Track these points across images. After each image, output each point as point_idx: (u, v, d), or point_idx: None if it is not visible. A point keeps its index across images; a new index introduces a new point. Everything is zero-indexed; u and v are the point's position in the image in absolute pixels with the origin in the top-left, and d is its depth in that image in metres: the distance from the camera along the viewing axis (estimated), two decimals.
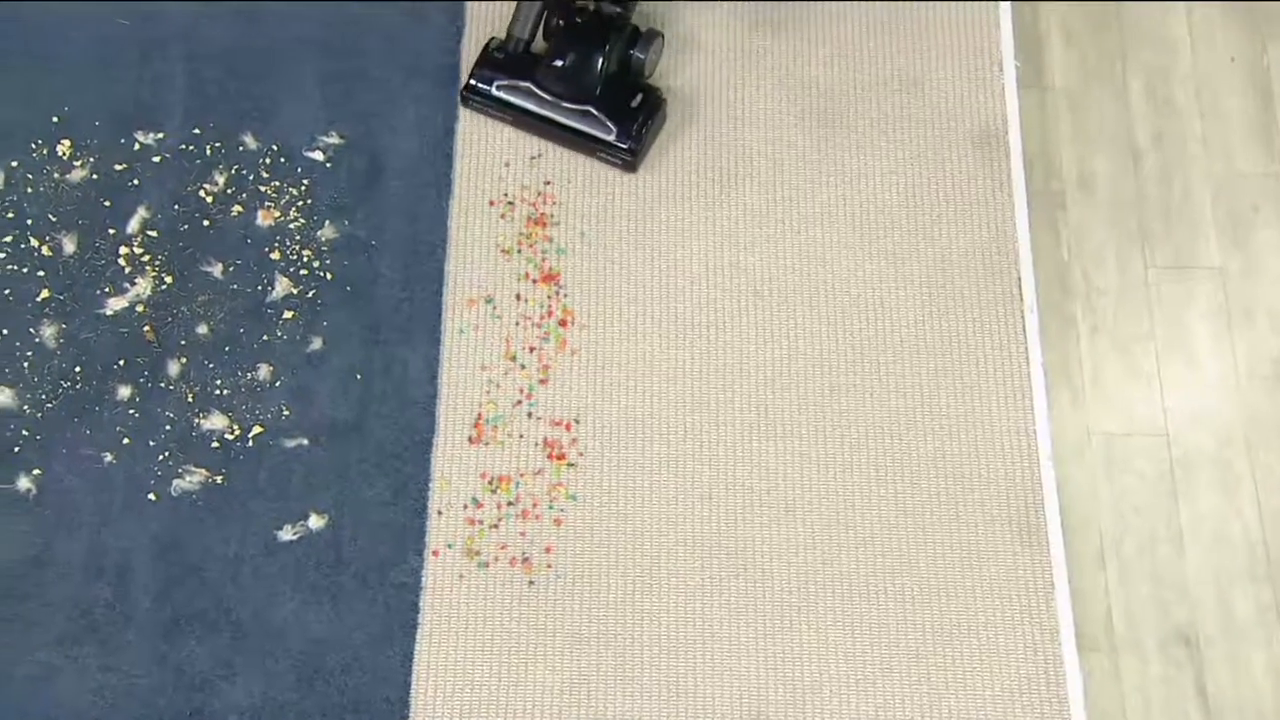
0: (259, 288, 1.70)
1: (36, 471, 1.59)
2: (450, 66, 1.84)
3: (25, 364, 1.64)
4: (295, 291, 1.70)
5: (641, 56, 1.71)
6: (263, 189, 1.76)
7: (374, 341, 1.68)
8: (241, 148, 1.78)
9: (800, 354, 1.67)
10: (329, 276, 1.71)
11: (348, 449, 1.61)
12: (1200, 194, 1.80)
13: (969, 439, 1.62)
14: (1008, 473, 1.60)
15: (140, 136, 1.78)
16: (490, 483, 1.59)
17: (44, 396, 1.62)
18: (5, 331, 1.66)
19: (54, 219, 1.73)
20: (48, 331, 1.66)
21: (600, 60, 1.69)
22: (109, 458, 1.59)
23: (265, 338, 1.67)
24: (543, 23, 1.72)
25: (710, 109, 1.80)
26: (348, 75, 1.83)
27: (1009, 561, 1.55)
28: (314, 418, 1.63)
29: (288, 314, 1.69)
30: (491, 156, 1.77)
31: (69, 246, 1.71)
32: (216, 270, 1.70)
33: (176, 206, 1.74)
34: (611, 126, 1.70)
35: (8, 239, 1.71)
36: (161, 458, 1.60)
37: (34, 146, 1.77)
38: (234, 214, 1.74)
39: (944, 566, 1.55)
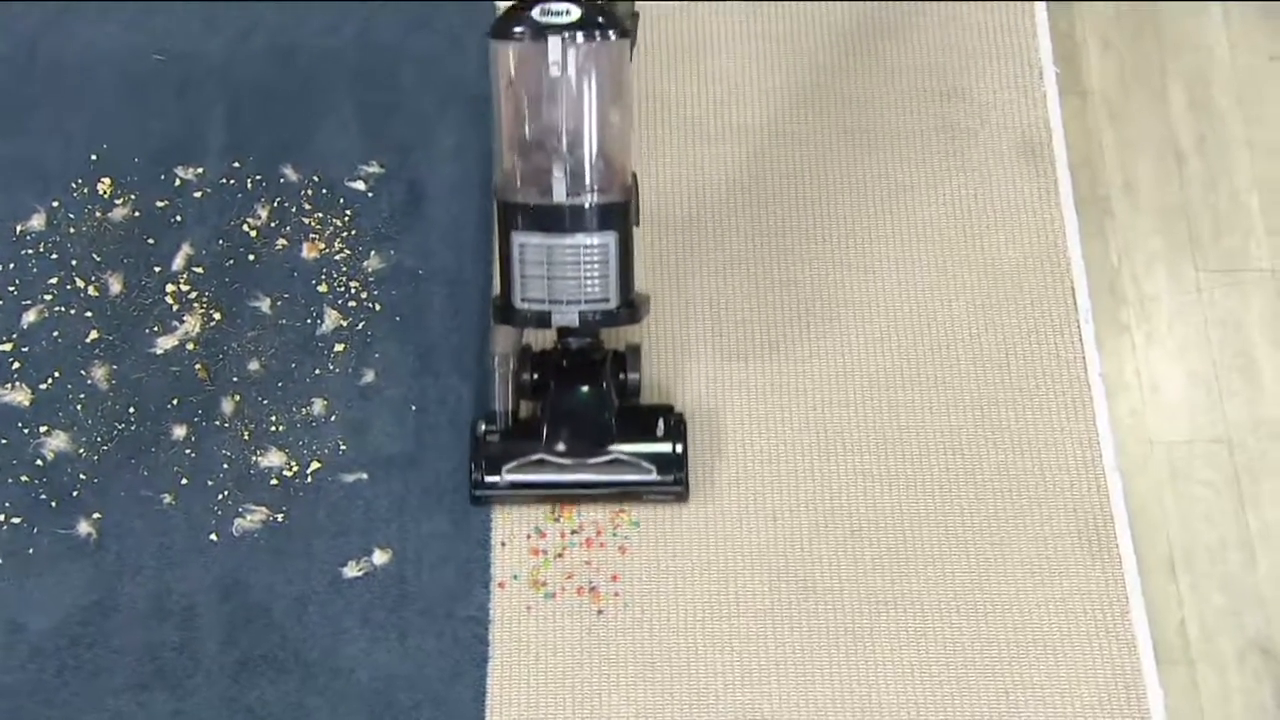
0: (308, 321, 1.69)
1: (96, 515, 1.57)
2: (486, 92, 1.82)
3: (79, 407, 1.63)
4: (344, 324, 1.69)
5: (636, 376, 1.53)
6: (306, 221, 1.75)
7: (426, 372, 1.67)
8: (283, 180, 1.77)
9: (855, 372, 1.66)
10: (377, 307, 1.70)
11: (406, 482, 1.60)
12: (1246, 196, 1.80)
13: (1032, 452, 1.61)
14: (1073, 485, 1.59)
15: (180, 172, 1.77)
16: (552, 511, 1.58)
17: (99, 439, 1.61)
18: (57, 374, 1.65)
19: (98, 258, 1.72)
20: (99, 373, 1.65)
21: (602, 401, 1.51)
22: (168, 499, 1.58)
23: (317, 371, 1.66)
24: (518, 382, 1.53)
25: (752, 123, 1.80)
26: (385, 104, 1.82)
27: (1080, 575, 1.55)
28: (371, 451, 1.62)
29: (338, 347, 1.68)
30: None
31: (115, 286, 1.70)
32: (264, 305, 1.69)
33: (220, 241, 1.73)
34: (649, 465, 1.51)
35: (53, 280, 1.70)
36: (221, 497, 1.59)
37: (74, 186, 1.76)
38: (279, 247, 1.73)
39: (1015, 582, 1.55)
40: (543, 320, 1.42)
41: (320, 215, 1.75)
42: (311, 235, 1.74)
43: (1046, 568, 1.55)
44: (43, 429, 1.61)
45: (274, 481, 1.60)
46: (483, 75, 1.80)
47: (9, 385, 1.64)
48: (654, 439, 1.52)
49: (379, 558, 1.56)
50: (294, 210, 1.75)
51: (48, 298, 1.69)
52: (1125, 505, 1.58)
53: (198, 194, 1.76)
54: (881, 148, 1.80)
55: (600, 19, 1.36)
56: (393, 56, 1.85)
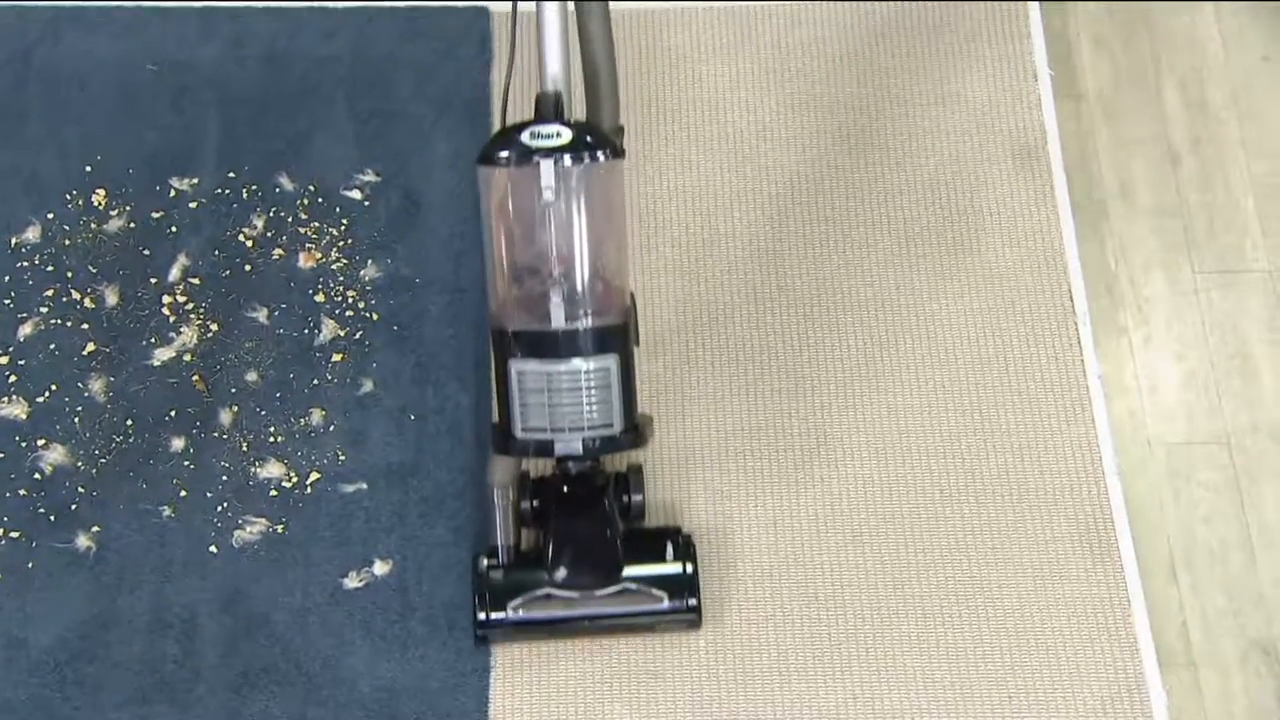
0: (305, 331, 1.68)
1: (95, 529, 1.57)
2: (481, 100, 1.83)
3: (76, 419, 1.62)
4: (342, 333, 1.69)
5: (640, 498, 1.48)
6: (302, 230, 1.74)
7: (424, 381, 1.66)
8: (278, 189, 1.77)
9: (855, 376, 1.66)
10: (375, 317, 1.70)
11: (406, 491, 1.60)
12: (1242, 197, 1.80)
13: (1032, 455, 1.61)
14: (1073, 487, 1.59)
15: (175, 182, 1.77)
16: None
17: (97, 452, 1.61)
18: (54, 387, 1.64)
19: (94, 270, 1.71)
20: (96, 385, 1.64)
21: (607, 528, 1.44)
22: (167, 511, 1.58)
23: (315, 382, 1.66)
24: (519, 511, 1.48)
25: (746, 130, 1.80)
26: (380, 113, 1.82)
27: (1081, 578, 1.55)
28: (370, 461, 1.61)
29: (336, 356, 1.67)
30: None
31: (111, 298, 1.69)
32: (261, 315, 1.69)
33: (216, 252, 1.73)
34: (659, 594, 1.45)
35: (49, 292, 1.70)
36: (220, 509, 1.58)
37: (69, 197, 1.75)
38: (275, 257, 1.73)
39: (1016, 585, 1.55)
40: (545, 449, 1.35)
41: (316, 225, 1.75)
42: (308, 245, 1.73)
43: (1047, 571, 1.55)
44: (40, 442, 1.61)
45: (273, 493, 1.59)
46: (478, 80, 1.80)
47: (6, 399, 1.63)
48: (663, 564, 1.47)
49: (380, 568, 1.56)
50: (290, 220, 1.75)
51: (44, 310, 1.68)
52: (1125, 507, 1.58)
53: (193, 204, 1.75)
54: (876, 152, 1.80)
55: (590, 139, 1.32)
56: (387, 65, 1.84)
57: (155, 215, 1.74)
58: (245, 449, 1.62)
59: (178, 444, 1.61)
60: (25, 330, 1.67)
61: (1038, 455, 1.61)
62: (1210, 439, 1.66)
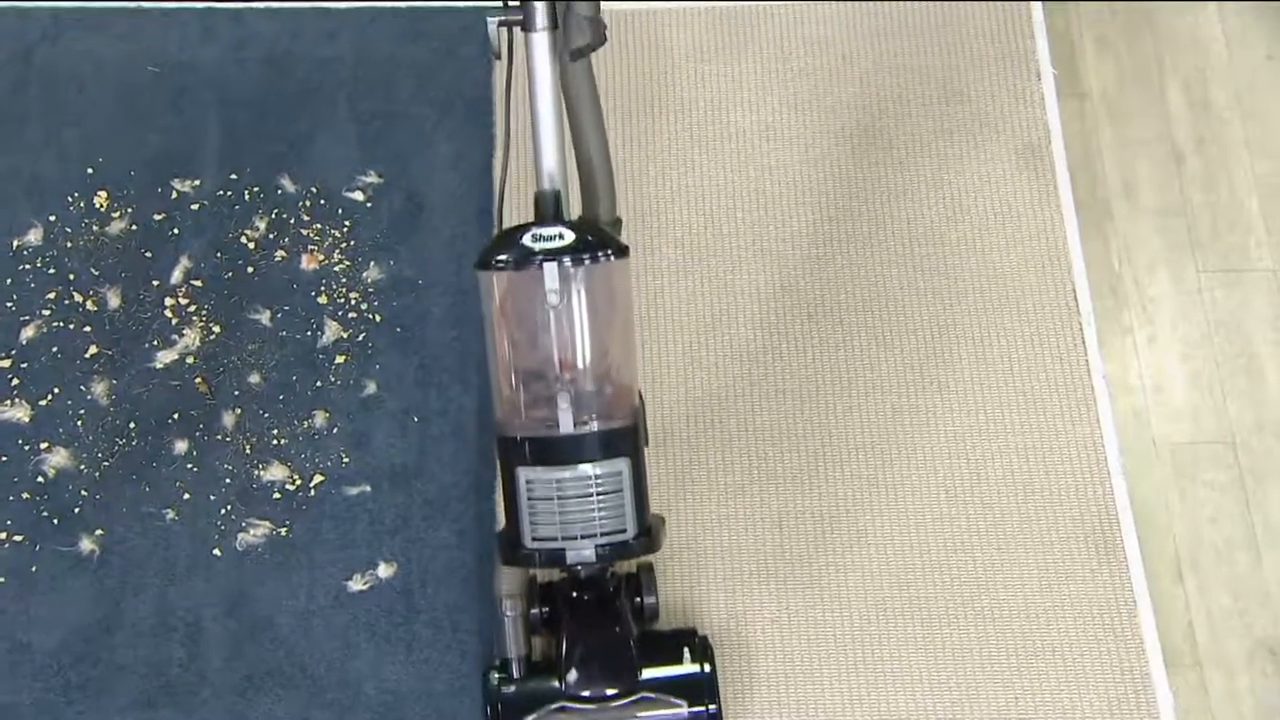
0: (308, 333, 1.68)
1: (99, 532, 1.56)
2: (482, 100, 1.82)
3: (79, 422, 1.62)
4: (345, 335, 1.68)
5: (653, 600, 1.43)
6: (304, 232, 1.74)
7: (427, 383, 1.66)
8: (280, 191, 1.76)
9: (859, 376, 1.66)
10: (377, 319, 1.69)
11: (410, 494, 1.60)
12: (1246, 196, 1.80)
13: (1037, 455, 1.61)
14: (1079, 488, 1.59)
15: (177, 185, 1.76)
16: None
17: (100, 455, 1.60)
18: (57, 390, 1.64)
19: (96, 272, 1.70)
20: (99, 388, 1.64)
21: (622, 633, 1.38)
22: (170, 514, 1.58)
23: (319, 384, 1.65)
24: (528, 620, 1.42)
25: (749, 131, 1.79)
26: (381, 114, 1.81)
27: (1087, 579, 1.55)
28: (374, 463, 1.61)
29: (339, 358, 1.67)
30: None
31: (113, 300, 1.69)
32: (264, 318, 1.68)
33: (219, 254, 1.72)
34: (679, 701, 1.38)
35: (51, 295, 1.69)
36: (223, 512, 1.58)
37: (70, 200, 1.75)
38: (277, 259, 1.72)
39: (1022, 587, 1.54)
40: (556, 559, 1.30)
41: (319, 226, 1.74)
42: (310, 247, 1.73)
43: (1053, 571, 1.55)
44: (43, 445, 1.60)
45: (277, 495, 1.59)
46: (479, 80, 1.80)
47: (9, 402, 1.63)
48: (681, 669, 1.40)
49: (384, 571, 1.55)
50: (292, 222, 1.74)
51: (46, 313, 1.68)
52: (1131, 507, 1.58)
53: (195, 206, 1.75)
54: (879, 151, 1.80)
55: (592, 239, 1.28)
56: (389, 66, 1.84)
57: (157, 217, 1.74)
58: (248, 451, 1.61)
59: (181, 447, 1.61)
60: (27, 333, 1.66)
61: (1042, 456, 1.61)
62: (1215, 439, 1.66)
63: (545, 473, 1.28)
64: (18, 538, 1.56)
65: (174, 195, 1.75)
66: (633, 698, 1.37)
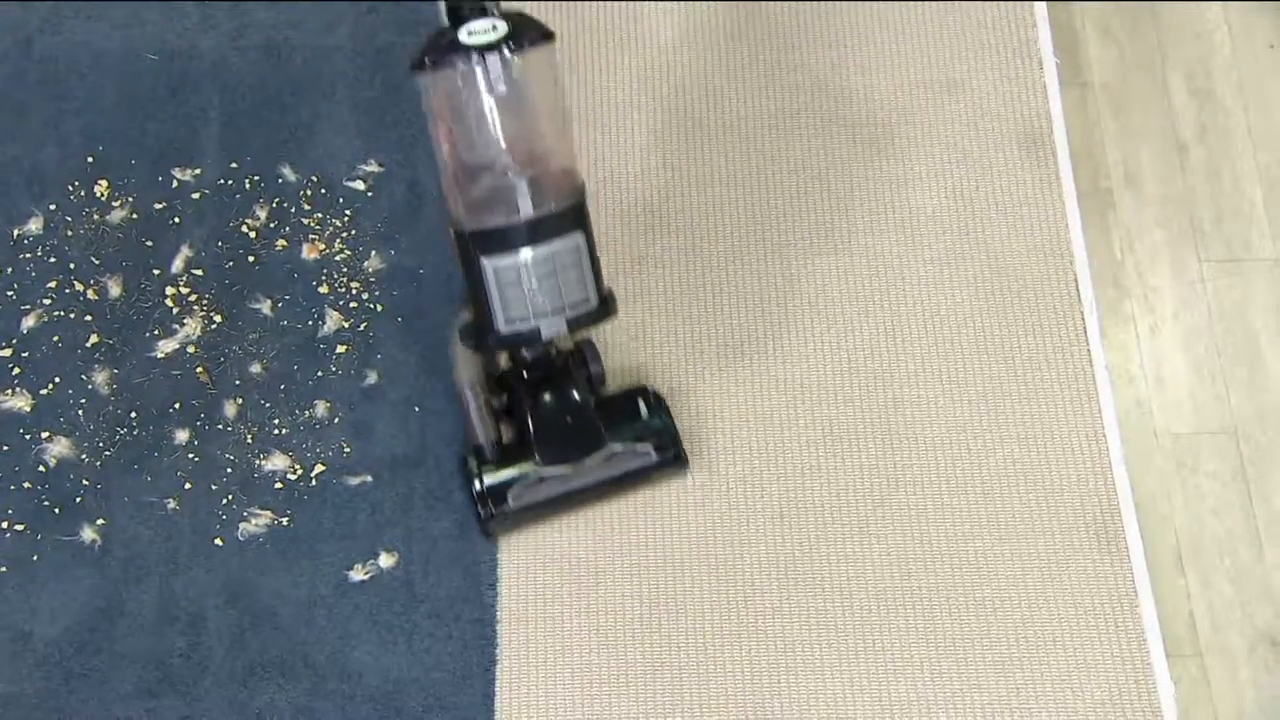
0: (309, 323, 1.68)
1: (100, 521, 1.56)
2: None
3: (80, 412, 1.62)
4: (346, 325, 1.68)
5: (599, 368, 1.53)
6: (305, 221, 1.74)
7: (429, 372, 1.66)
8: (281, 180, 1.76)
9: (860, 367, 1.66)
10: (379, 308, 1.69)
11: (412, 483, 1.59)
12: (1249, 185, 1.80)
13: (1038, 446, 1.61)
14: (1080, 478, 1.59)
15: (178, 173, 1.76)
16: None
17: (101, 444, 1.60)
18: (58, 379, 1.63)
19: (97, 261, 1.70)
20: (100, 377, 1.64)
21: (582, 401, 1.49)
22: (172, 504, 1.58)
23: (320, 374, 1.65)
24: (492, 408, 1.52)
25: (748, 120, 1.79)
26: (382, 103, 1.81)
27: (1089, 569, 1.55)
28: (375, 453, 1.61)
29: (340, 348, 1.67)
30: None
31: (114, 289, 1.68)
32: (265, 307, 1.68)
33: (220, 243, 1.72)
34: (646, 449, 1.52)
35: (52, 284, 1.69)
36: (225, 501, 1.58)
37: (70, 189, 1.74)
38: (278, 248, 1.72)
39: (1024, 577, 1.54)
40: (532, 337, 1.39)
41: (320, 215, 1.74)
42: (311, 236, 1.73)
43: (1056, 562, 1.55)
44: (44, 435, 1.60)
45: (278, 485, 1.59)
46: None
47: (9, 391, 1.62)
48: (640, 421, 1.52)
49: (385, 560, 1.55)
50: (293, 211, 1.74)
51: (47, 302, 1.67)
52: (1132, 498, 1.58)
53: (195, 195, 1.74)
54: (880, 141, 1.79)
55: (523, 25, 1.33)
56: (389, 54, 1.83)
57: (158, 206, 1.74)
58: (250, 441, 1.61)
59: (182, 436, 1.61)
60: (28, 322, 1.66)
61: (1044, 446, 1.61)
62: (1218, 429, 1.66)
63: (509, 258, 1.35)
64: (19, 527, 1.56)
65: (174, 184, 1.75)
66: (603, 454, 1.49)
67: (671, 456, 1.53)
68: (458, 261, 1.42)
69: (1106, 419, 1.62)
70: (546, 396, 1.49)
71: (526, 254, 1.36)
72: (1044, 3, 1.87)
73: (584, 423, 1.48)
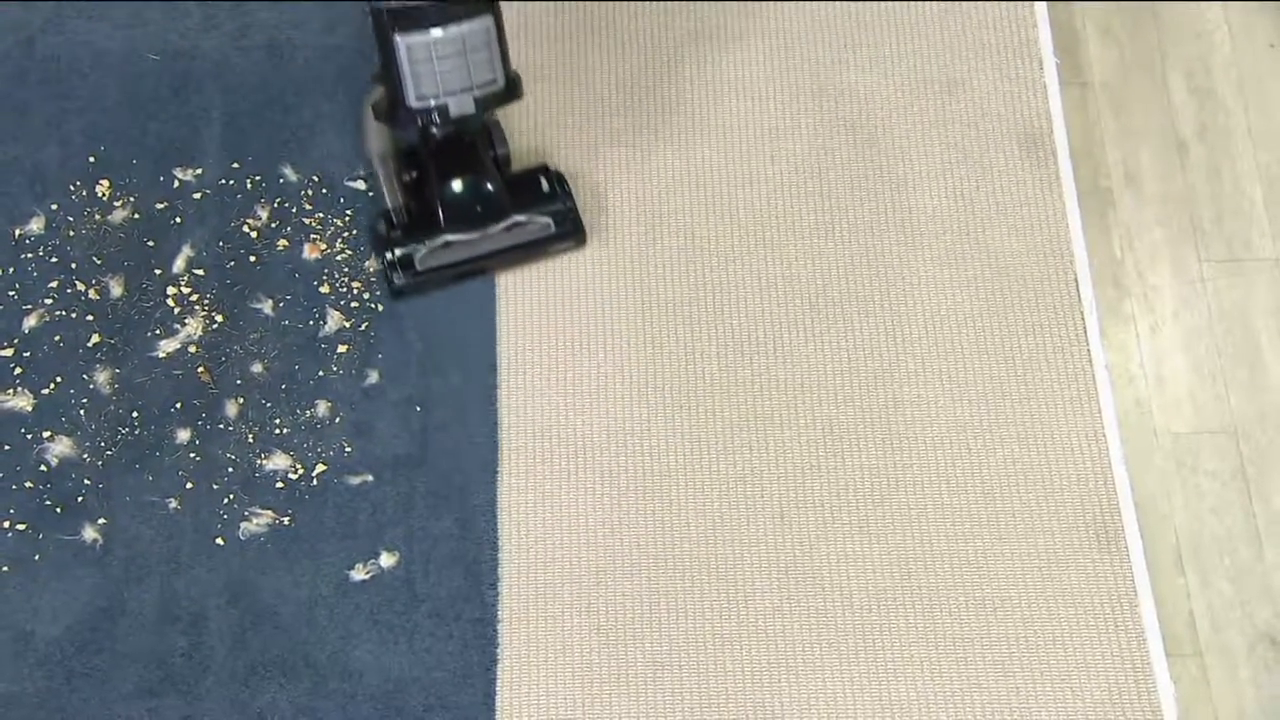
0: (310, 322, 1.68)
1: (102, 521, 1.57)
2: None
3: (82, 411, 1.62)
4: (347, 325, 1.68)
5: (505, 150, 1.64)
6: (307, 221, 1.74)
7: (430, 372, 1.66)
8: (282, 180, 1.76)
9: (860, 367, 1.66)
10: (379, 308, 1.69)
11: (413, 483, 1.60)
12: (1249, 185, 1.80)
13: (1038, 446, 1.61)
14: (1080, 478, 1.59)
15: (179, 173, 1.76)
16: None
17: (103, 444, 1.61)
18: (59, 379, 1.64)
19: (98, 261, 1.70)
20: (101, 377, 1.64)
21: (488, 174, 1.60)
22: (173, 503, 1.58)
23: (321, 373, 1.65)
24: (403, 181, 1.64)
25: (749, 119, 1.79)
26: None
27: (1088, 569, 1.55)
28: (376, 453, 1.61)
29: (341, 348, 1.67)
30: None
31: (116, 289, 1.69)
32: (267, 307, 1.68)
33: (221, 243, 1.72)
34: (545, 220, 1.65)
35: (53, 284, 1.69)
36: (226, 501, 1.58)
37: (72, 188, 1.75)
38: (280, 248, 1.72)
39: (1023, 577, 1.55)
40: (441, 113, 1.47)
41: (320, 215, 1.74)
42: (313, 236, 1.73)
43: (1055, 562, 1.55)
44: (46, 434, 1.61)
45: (279, 485, 1.59)
46: None
47: (11, 391, 1.63)
48: (545, 197, 1.64)
49: (386, 560, 1.56)
50: (294, 211, 1.74)
51: (48, 302, 1.68)
52: (1132, 497, 1.58)
53: (197, 195, 1.75)
54: (881, 141, 1.79)
55: None
56: None
57: (159, 206, 1.74)
58: (251, 440, 1.62)
59: (183, 436, 1.61)
60: (30, 322, 1.66)
61: (1044, 445, 1.61)
62: (1218, 429, 1.66)
63: (421, 36, 1.44)
64: (20, 526, 1.56)
65: (176, 184, 1.75)
66: (506, 223, 1.62)
67: (570, 229, 1.65)
68: (374, 39, 1.49)
69: (1106, 418, 1.63)
70: (454, 167, 1.59)
71: (437, 33, 1.43)
72: (1044, 2, 1.87)
73: (488, 193, 1.60)
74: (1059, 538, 1.57)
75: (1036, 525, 1.57)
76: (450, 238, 1.61)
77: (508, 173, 1.65)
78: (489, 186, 1.60)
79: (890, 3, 1.86)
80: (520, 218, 1.63)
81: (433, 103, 1.47)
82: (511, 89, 1.52)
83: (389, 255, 1.63)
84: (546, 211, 1.65)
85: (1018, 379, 1.65)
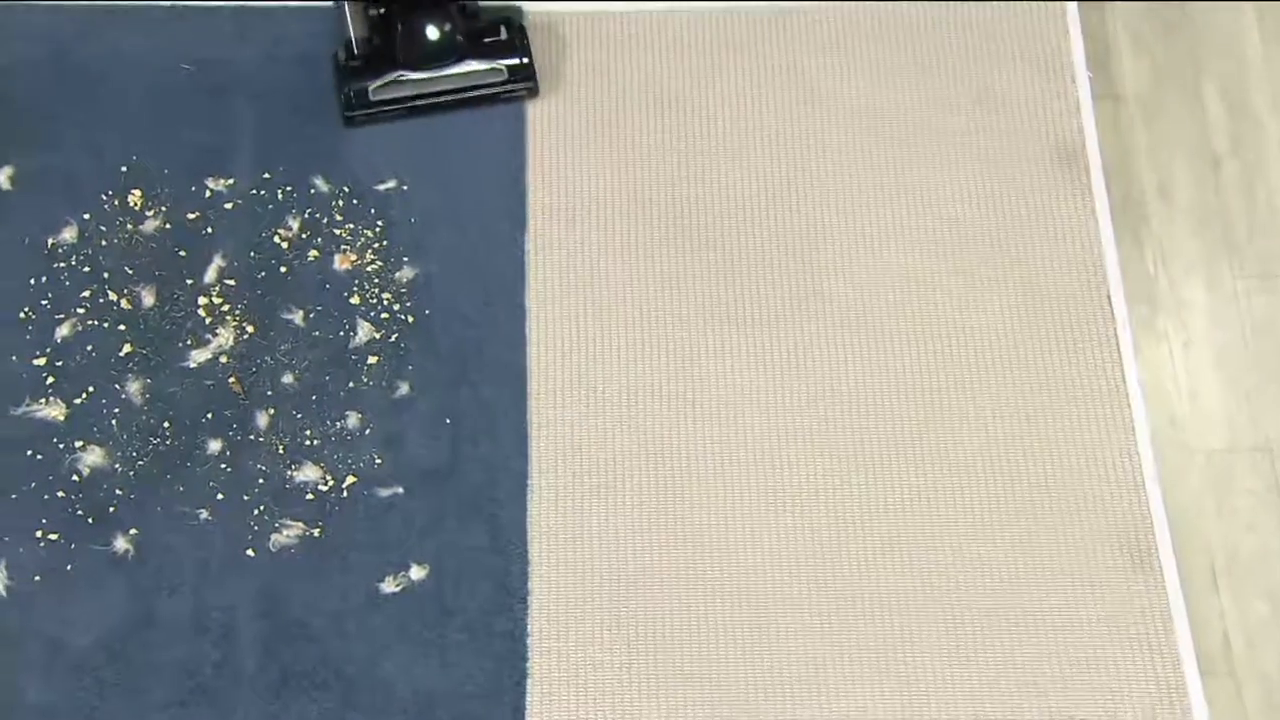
0: (341, 334, 1.68)
1: (133, 531, 1.57)
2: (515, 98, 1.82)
3: (113, 421, 1.63)
4: (378, 336, 1.68)
5: (473, 4, 1.73)
6: (337, 232, 1.74)
7: (460, 383, 1.66)
8: (313, 190, 1.76)
9: (891, 382, 1.65)
10: (410, 319, 1.69)
11: (443, 495, 1.60)
12: None
13: (1071, 462, 1.60)
14: (1113, 496, 1.58)
15: (211, 183, 1.76)
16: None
17: (134, 454, 1.61)
18: (91, 389, 1.64)
19: (130, 271, 1.71)
20: (133, 387, 1.64)
21: (448, 17, 1.69)
22: (204, 514, 1.58)
23: (351, 385, 1.66)
24: (366, 14, 1.72)
25: (779, 133, 1.78)
26: None
27: (1122, 588, 1.54)
28: (406, 465, 1.61)
29: (372, 359, 1.67)
30: (565, 183, 1.76)
31: (148, 299, 1.69)
32: (297, 318, 1.68)
33: (252, 254, 1.72)
34: (499, 66, 1.72)
35: (85, 294, 1.70)
36: (257, 512, 1.58)
37: (105, 198, 1.75)
38: (310, 259, 1.72)
39: (1055, 596, 1.54)
40: None
41: (351, 226, 1.74)
42: (343, 246, 1.73)
43: (1088, 582, 1.54)
44: (78, 444, 1.61)
45: (310, 496, 1.59)
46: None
47: (44, 400, 1.63)
48: (502, 45, 1.72)
49: (416, 573, 1.56)
50: (325, 222, 1.74)
51: (80, 311, 1.68)
52: (1166, 515, 1.57)
53: (228, 205, 1.75)
54: (911, 153, 1.79)
55: None
56: None
57: (191, 216, 1.74)
58: (281, 452, 1.62)
59: (214, 446, 1.61)
60: (62, 331, 1.67)
61: (1077, 462, 1.60)
62: (1253, 446, 1.65)
63: None
64: (52, 536, 1.57)
65: (208, 194, 1.76)
66: (461, 68, 1.71)
67: (522, 78, 1.72)
68: None
69: (1140, 435, 1.62)
70: (416, 6, 1.68)
71: None
72: (1077, 13, 1.86)
73: (446, 34, 1.69)
74: (1092, 556, 1.56)
75: (1069, 544, 1.56)
76: (404, 74, 1.69)
77: (474, 22, 1.72)
78: (447, 28, 1.69)
79: (920, 15, 1.85)
80: (476, 64, 1.70)
81: None
82: None
83: (344, 84, 1.70)
84: (502, 60, 1.71)
85: (1049, 395, 1.64)
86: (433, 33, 1.69)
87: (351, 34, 1.71)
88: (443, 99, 1.72)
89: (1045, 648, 1.51)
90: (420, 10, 1.69)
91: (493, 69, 1.72)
